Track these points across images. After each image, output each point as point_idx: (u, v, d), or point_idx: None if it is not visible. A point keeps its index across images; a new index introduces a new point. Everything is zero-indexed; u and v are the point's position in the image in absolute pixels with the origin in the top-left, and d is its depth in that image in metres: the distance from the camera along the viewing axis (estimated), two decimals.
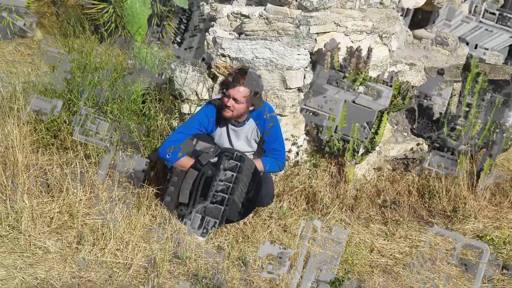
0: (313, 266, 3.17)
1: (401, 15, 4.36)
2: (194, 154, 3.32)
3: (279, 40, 3.86)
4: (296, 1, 3.77)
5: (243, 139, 3.46)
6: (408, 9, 4.33)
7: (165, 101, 4.19)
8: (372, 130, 4.14)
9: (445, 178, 4.47)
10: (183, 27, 4.57)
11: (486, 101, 4.35)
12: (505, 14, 3.99)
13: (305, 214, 3.88)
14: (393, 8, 4.19)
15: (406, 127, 4.80)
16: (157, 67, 4.92)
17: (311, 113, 3.87)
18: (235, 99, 3.24)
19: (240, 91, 3.23)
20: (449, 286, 3.40)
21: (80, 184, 3.48)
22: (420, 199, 4.39)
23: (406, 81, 4.07)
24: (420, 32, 4.91)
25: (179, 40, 4.62)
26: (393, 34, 4.27)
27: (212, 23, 4.17)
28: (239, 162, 3.24)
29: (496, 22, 3.92)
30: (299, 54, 3.88)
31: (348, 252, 3.50)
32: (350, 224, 3.91)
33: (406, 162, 4.76)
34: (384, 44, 4.25)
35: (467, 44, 4.90)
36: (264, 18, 3.85)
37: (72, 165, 3.64)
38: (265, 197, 3.39)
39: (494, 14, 3.90)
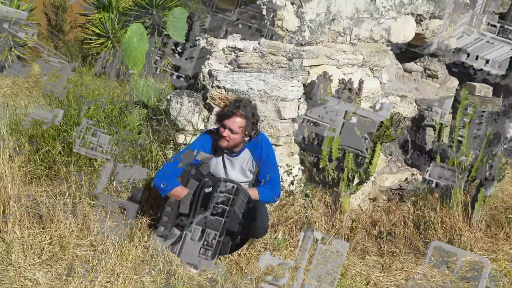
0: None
1: (391, 49, 4.46)
2: (192, 175, 3.31)
3: (273, 73, 3.93)
4: (289, 36, 3.85)
5: (238, 169, 3.46)
6: (397, 43, 4.42)
7: (161, 132, 4.22)
8: (366, 160, 4.16)
9: (440, 209, 4.46)
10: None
11: (478, 131, 4.40)
12: (506, 26, 4.06)
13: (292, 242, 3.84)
14: (382, 42, 4.29)
15: (400, 158, 4.83)
16: (153, 99, 4.98)
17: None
18: (231, 130, 3.27)
19: (236, 122, 3.26)
20: None
21: (72, 215, 3.44)
22: (416, 230, 4.37)
23: (398, 112, 4.12)
24: (410, 65, 5.01)
25: (180, 50, 4.68)
26: (384, 67, 4.36)
27: (208, 56, 4.25)
28: (232, 194, 3.23)
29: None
30: (292, 86, 3.94)
31: (344, 285, 3.45)
32: (346, 255, 3.87)
33: (401, 193, 4.77)
34: (375, 76, 4.34)
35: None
36: (258, 52, 3.93)
37: (65, 197, 3.62)
38: (259, 228, 3.37)
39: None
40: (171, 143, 4.21)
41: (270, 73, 3.93)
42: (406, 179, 4.73)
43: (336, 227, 4.07)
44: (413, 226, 4.41)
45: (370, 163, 4.14)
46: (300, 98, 4.04)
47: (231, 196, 3.14)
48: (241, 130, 3.27)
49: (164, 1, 6.24)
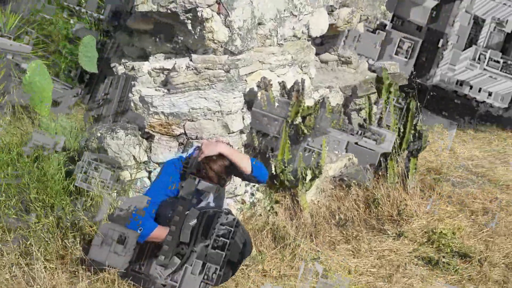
0: None
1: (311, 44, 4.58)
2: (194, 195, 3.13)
3: (213, 88, 3.82)
4: (222, 47, 3.77)
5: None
6: (316, 37, 4.55)
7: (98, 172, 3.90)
8: (314, 156, 4.25)
9: (383, 185, 4.73)
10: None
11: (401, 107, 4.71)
12: (509, 62, 4.25)
13: (276, 253, 3.83)
14: (304, 38, 4.38)
15: (335, 146, 5.01)
16: (71, 140, 4.59)
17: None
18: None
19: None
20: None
21: None
22: (368, 210, 4.59)
23: (337, 103, 4.26)
24: (326, 56, 5.19)
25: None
26: (310, 62, 4.47)
27: (133, 82, 4.00)
28: (233, 227, 3.12)
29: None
30: (234, 98, 3.87)
31: (333, 280, 3.52)
32: (320, 251, 3.95)
33: (344, 179, 4.96)
34: (305, 73, 4.43)
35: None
36: (192, 69, 3.79)
37: None
38: (248, 247, 3.28)
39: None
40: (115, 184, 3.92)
41: (209, 88, 3.82)
42: (345, 164, 4.93)
43: (302, 226, 4.13)
44: (365, 207, 4.63)
45: (320, 157, 4.23)
46: (242, 109, 3.99)
47: (232, 229, 3.04)
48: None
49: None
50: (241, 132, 4.00)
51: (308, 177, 4.28)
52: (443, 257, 3.91)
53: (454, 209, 4.82)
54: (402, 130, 4.81)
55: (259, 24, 3.94)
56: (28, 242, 3.61)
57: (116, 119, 4.50)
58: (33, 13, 6.67)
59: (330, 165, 4.79)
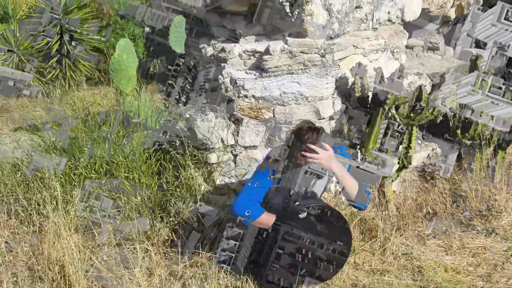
0: None
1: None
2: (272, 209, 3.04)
3: (306, 72, 3.70)
4: (320, 31, 3.62)
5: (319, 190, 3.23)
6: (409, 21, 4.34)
7: (187, 155, 3.86)
8: (404, 145, 4.08)
9: (471, 179, 4.52)
10: (188, 87, 4.28)
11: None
12: (511, 88, 4.05)
13: (366, 246, 3.72)
14: (399, 23, 4.18)
15: (417, 135, 4.81)
16: (154, 119, 4.58)
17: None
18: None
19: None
20: None
21: None
22: (455, 204, 4.40)
23: (430, 92, 4.07)
24: (411, 41, 4.97)
25: (184, 100, 4.32)
26: (401, 47, 4.28)
27: (223, 64, 3.92)
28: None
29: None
30: (327, 83, 3.75)
31: (431, 276, 3.39)
32: (410, 245, 3.81)
33: (424, 169, 4.78)
34: (396, 58, 4.24)
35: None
36: (287, 53, 3.67)
37: None
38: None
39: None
40: (203, 166, 3.88)
41: (303, 73, 3.70)
42: (428, 155, 4.73)
43: (390, 218, 3.99)
44: (451, 201, 4.43)
45: (409, 147, 4.07)
46: (333, 94, 3.85)
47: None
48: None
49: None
50: (331, 118, 3.87)
51: (395, 167, 4.12)
52: None
53: None
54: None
55: (357, 7, 3.79)
56: (118, 222, 3.64)
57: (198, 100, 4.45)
58: None
59: (414, 155, 4.61)
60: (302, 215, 2.94)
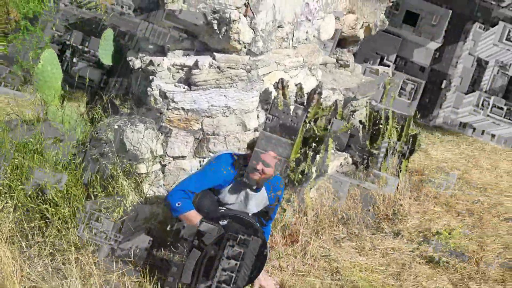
0: None
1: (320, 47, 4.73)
2: (202, 213, 3.17)
3: (233, 87, 3.90)
4: (245, 48, 3.85)
5: (254, 204, 3.39)
6: (324, 41, 4.71)
7: (116, 165, 3.90)
8: (320, 155, 4.41)
9: (379, 185, 4.97)
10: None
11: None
12: None
13: (286, 249, 3.97)
14: (315, 42, 4.53)
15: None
16: (79, 129, 4.54)
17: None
18: (265, 163, 3.17)
19: (272, 155, 3.17)
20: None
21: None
22: (365, 208, 4.81)
23: (351, 104, 4.43)
24: (325, 58, 5.36)
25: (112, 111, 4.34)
26: (318, 65, 4.63)
27: (151, 77, 4.01)
28: (242, 247, 3.17)
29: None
30: (253, 97, 3.97)
31: (348, 276, 3.71)
32: (327, 248, 4.12)
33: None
34: (313, 75, 4.58)
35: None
36: (215, 68, 3.85)
37: None
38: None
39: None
40: (132, 176, 3.93)
41: (230, 87, 3.89)
42: (341, 163, 5.12)
43: (309, 223, 4.28)
44: (361, 206, 4.84)
45: (326, 157, 4.40)
46: (257, 107, 4.09)
47: (234, 275, 3.11)
48: (274, 164, 3.20)
49: None
50: (255, 130, 4.10)
51: (313, 175, 4.43)
52: (443, 256, 4.17)
53: (441, 210, 5.13)
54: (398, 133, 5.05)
55: (279, 27, 4.06)
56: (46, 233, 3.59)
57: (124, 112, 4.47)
58: None
59: (329, 165, 4.97)
60: (223, 222, 3.12)
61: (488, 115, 4.39)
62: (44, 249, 3.48)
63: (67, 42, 5.45)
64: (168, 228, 3.44)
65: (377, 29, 5.29)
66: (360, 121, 5.19)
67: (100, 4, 5.99)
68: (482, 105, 4.38)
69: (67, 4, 6.14)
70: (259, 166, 3.14)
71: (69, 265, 3.31)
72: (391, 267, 4.00)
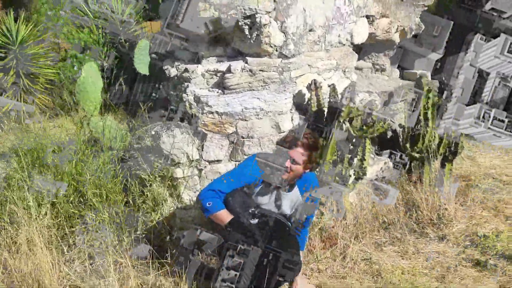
0: None
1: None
2: (233, 213, 3.15)
3: (266, 89, 3.92)
4: (277, 51, 3.89)
5: (288, 205, 3.35)
6: (357, 44, 4.68)
7: (153, 170, 3.97)
8: (358, 157, 4.34)
9: (421, 190, 4.82)
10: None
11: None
12: None
13: (324, 252, 3.90)
14: (348, 45, 4.51)
15: (371, 150, 5.10)
16: (119, 139, 4.66)
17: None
18: (293, 160, 3.14)
19: (299, 152, 3.15)
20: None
21: None
22: (408, 213, 4.66)
23: (390, 108, 4.37)
24: (360, 63, 5.32)
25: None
26: (352, 68, 4.59)
27: (186, 83, 4.09)
28: (242, 257, 3.12)
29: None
30: (286, 98, 3.98)
31: (389, 278, 3.59)
32: (369, 252, 4.01)
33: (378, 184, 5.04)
34: (347, 77, 4.55)
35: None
36: (247, 71, 3.89)
37: None
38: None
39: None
40: (167, 180, 3.99)
41: (263, 89, 3.92)
42: (381, 168, 5.01)
43: (349, 227, 4.19)
44: (405, 210, 4.70)
45: (364, 159, 4.32)
46: (291, 109, 4.09)
47: (238, 272, 3.06)
48: (303, 161, 3.16)
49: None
50: (290, 131, 4.08)
51: (352, 179, 4.36)
52: (490, 259, 3.97)
53: (489, 214, 4.90)
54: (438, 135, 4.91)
55: (310, 30, 4.07)
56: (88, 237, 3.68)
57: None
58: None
59: (368, 167, 4.87)
60: (253, 221, 3.08)
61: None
62: (84, 252, 3.56)
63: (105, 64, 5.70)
64: (167, 238, 3.45)
65: (413, 33, 5.21)
66: (400, 125, 5.08)
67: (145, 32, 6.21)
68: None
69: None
70: (287, 164, 3.10)
71: (108, 267, 3.36)
72: (435, 270, 3.84)
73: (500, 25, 4.95)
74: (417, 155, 4.95)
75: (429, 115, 4.82)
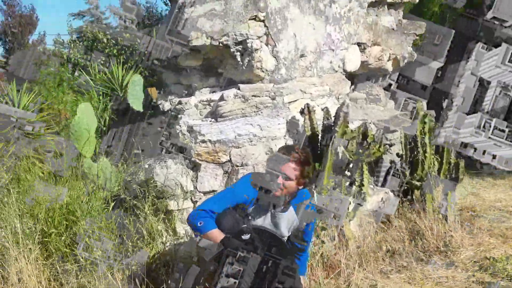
0: None
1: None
2: (225, 232, 3.02)
3: (259, 114, 3.88)
4: (269, 76, 3.88)
5: (284, 226, 3.22)
6: (350, 72, 4.70)
7: (147, 204, 3.85)
8: (356, 184, 4.23)
9: (426, 218, 4.67)
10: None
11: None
12: None
13: (328, 282, 3.70)
14: (341, 72, 4.52)
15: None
16: (113, 180, 4.57)
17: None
18: (286, 176, 3.03)
19: (291, 167, 3.04)
20: None
21: None
22: (413, 241, 4.49)
23: (380, 130, 4.30)
24: (355, 94, 5.32)
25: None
26: (345, 94, 4.58)
27: (180, 115, 4.07)
28: (242, 265, 2.98)
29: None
30: (279, 124, 3.93)
31: None
32: (374, 280, 3.82)
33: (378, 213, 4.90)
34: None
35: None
36: (240, 97, 3.87)
37: None
38: None
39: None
40: (161, 214, 3.87)
41: (256, 115, 3.88)
42: (382, 198, 4.88)
43: (352, 255, 4.02)
44: (409, 239, 4.53)
45: (362, 184, 4.21)
46: (285, 135, 4.03)
47: (237, 280, 2.92)
48: (296, 176, 3.05)
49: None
50: None
51: (351, 206, 4.23)
52: (501, 280, 3.78)
53: (497, 241, 4.73)
54: (438, 160, 4.82)
55: (301, 56, 4.09)
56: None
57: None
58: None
59: (368, 198, 4.75)
60: (245, 237, 2.94)
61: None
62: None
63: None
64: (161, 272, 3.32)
65: (405, 61, 5.24)
66: (398, 154, 5.01)
67: None
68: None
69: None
70: (279, 180, 2.99)
71: None
72: None
73: (501, 33, 4.98)
74: (417, 183, 4.84)
75: (426, 141, 4.76)
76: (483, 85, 5.20)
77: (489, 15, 4.71)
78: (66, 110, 8.14)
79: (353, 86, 5.26)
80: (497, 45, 4.59)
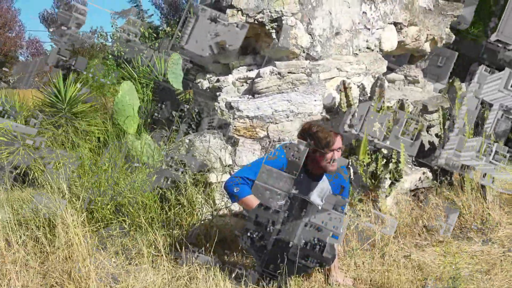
0: None
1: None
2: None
3: (295, 91, 4.00)
4: (304, 53, 3.98)
5: (317, 195, 3.34)
6: (387, 51, 4.73)
7: (188, 175, 4.04)
8: (393, 160, 4.27)
9: (463, 195, 4.66)
10: (192, 133, 4.57)
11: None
12: None
13: (364, 251, 3.79)
14: (377, 51, 4.57)
15: (408, 159, 5.01)
16: (156, 157, 4.78)
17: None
18: (338, 149, 3.15)
19: (339, 140, 3.16)
20: None
21: None
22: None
23: (417, 107, 4.34)
24: (392, 75, 5.35)
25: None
26: (382, 74, 4.62)
27: (218, 93, 4.23)
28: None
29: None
30: (315, 100, 4.03)
31: (431, 271, 3.44)
32: (409, 252, 3.88)
33: (416, 193, 4.92)
34: None
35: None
36: (276, 74, 4.00)
37: None
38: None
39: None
40: (201, 186, 4.04)
41: (292, 91, 3.99)
42: (420, 178, 4.90)
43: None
44: (446, 216, 4.54)
45: (399, 161, 4.25)
46: (322, 112, 4.12)
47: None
48: (341, 149, 3.18)
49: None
50: None
51: (387, 182, 4.28)
52: None
53: None
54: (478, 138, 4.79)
55: (337, 33, 4.17)
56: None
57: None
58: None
59: (405, 177, 4.77)
60: (280, 202, 3.07)
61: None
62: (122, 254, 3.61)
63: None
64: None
65: (443, 42, 5.22)
66: (436, 135, 5.01)
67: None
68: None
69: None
70: (337, 155, 3.09)
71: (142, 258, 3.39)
72: (479, 265, 3.65)
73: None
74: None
75: (465, 120, 4.74)
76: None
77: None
78: (111, 99, 8.48)
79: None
80: (500, 67, 4.56)
